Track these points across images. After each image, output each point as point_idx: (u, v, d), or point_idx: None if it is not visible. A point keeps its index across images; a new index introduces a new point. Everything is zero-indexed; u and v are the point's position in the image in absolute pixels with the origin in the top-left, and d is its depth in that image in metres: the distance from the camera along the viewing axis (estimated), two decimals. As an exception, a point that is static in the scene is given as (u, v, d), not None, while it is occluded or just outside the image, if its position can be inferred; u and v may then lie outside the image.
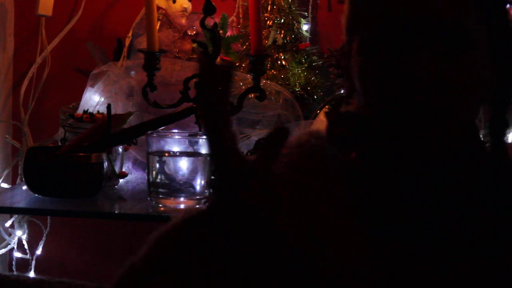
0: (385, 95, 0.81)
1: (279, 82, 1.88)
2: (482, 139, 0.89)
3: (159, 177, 1.49)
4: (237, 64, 1.94)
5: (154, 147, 1.50)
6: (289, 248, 0.82)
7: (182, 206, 1.48)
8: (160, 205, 1.49)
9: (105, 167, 1.56)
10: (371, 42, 0.82)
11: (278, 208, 0.81)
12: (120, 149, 1.69)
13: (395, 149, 0.83)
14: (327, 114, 0.91)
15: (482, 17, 0.83)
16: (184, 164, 1.48)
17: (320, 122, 1.77)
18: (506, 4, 0.85)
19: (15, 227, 2.02)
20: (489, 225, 0.84)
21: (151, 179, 1.49)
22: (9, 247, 2.04)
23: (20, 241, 2.03)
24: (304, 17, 1.97)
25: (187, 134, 1.56)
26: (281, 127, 0.77)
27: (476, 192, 0.85)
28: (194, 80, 1.72)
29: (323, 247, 0.82)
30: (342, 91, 1.85)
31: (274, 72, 1.90)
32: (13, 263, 2.05)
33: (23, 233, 2.02)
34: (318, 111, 1.82)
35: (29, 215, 2.00)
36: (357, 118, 0.87)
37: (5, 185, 2.03)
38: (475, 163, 0.87)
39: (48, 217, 2.02)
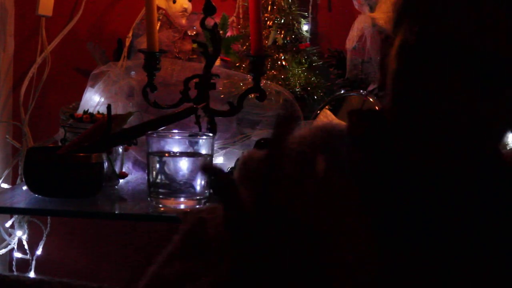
0: (415, 106, 0.79)
1: (279, 82, 1.88)
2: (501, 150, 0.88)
3: (159, 177, 1.49)
4: (237, 64, 1.94)
5: (154, 147, 1.49)
6: (297, 246, 0.81)
7: (182, 206, 1.48)
8: (160, 205, 1.49)
9: (105, 167, 1.56)
10: (414, 48, 0.79)
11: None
12: (120, 149, 1.69)
13: (414, 158, 0.81)
14: (349, 114, 0.89)
15: None
16: (184, 165, 1.48)
17: (320, 122, 1.77)
18: None
19: (15, 227, 2.02)
20: (505, 234, 0.83)
21: (151, 179, 1.49)
22: (9, 247, 2.04)
23: (20, 241, 2.03)
24: (304, 17, 1.97)
25: (187, 135, 1.56)
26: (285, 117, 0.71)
27: (492, 203, 0.84)
28: (194, 80, 1.72)
29: (331, 247, 0.81)
30: (342, 91, 1.85)
31: (274, 72, 1.90)
32: (13, 263, 2.04)
33: (23, 233, 2.02)
34: (318, 111, 1.82)
35: (29, 215, 2.00)
36: (381, 118, 0.85)
37: (5, 185, 2.03)
38: (494, 176, 0.85)
39: (48, 217, 2.02)
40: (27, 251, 2.03)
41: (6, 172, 2.06)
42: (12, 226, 2.03)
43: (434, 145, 0.79)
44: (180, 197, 1.48)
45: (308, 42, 1.96)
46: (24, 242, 2.03)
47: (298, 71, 1.91)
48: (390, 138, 0.84)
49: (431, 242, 0.83)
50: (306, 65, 1.93)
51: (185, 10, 1.97)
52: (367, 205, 0.83)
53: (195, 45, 1.90)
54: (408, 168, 0.83)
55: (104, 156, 1.56)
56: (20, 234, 2.02)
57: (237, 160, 1.53)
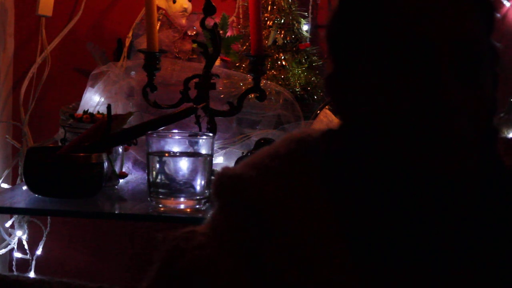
0: (406, 117, 0.76)
1: (279, 82, 1.88)
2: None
3: (159, 177, 1.49)
4: (237, 64, 1.94)
5: (154, 147, 1.50)
6: (277, 276, 0.78)
7: (182, 206, 1.48)
8: (160, 205, 1.49)
9: (105, 167, 1.56)
10: (392, 64, 0.77)
11: None
12: (120, 149, 1.69)
13: (403, 170, 0.78)
14: (322, 136, 0.86)
15: (486, 34, 0.80)
16: (184, 164, 1.48)
17: (320, 122, 1.77)
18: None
19: (15, 227, 2.03)
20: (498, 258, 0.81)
21: (151, 180, 1.49)
22: (9, 247, 2.04)
23: (20, 241, 2.03)
24: (304, 17, 1.97)
25: (187, 134, 1.57)
26: None
27: (479, 221, 0.82)
28: (194, 80, 1.72)
29: (311, 274, 0.77)
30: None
31: (274, 73, 1.90)
32: (13, 263, 2.05)
33: (23, 233, 2.02)
34: (318, 111, 1.82)
35: (29, 215, 2.00)
36: (358, 134, 0.82)
37: (5, 185, 2.03)
38: (484, 186, 0.83)
39: (48, 217, 2.02)
40: (27, 251, 2.03)
41: (6, 172, 2.06)
42: (12, 226, 2.04)
43: (424, 152, 0.76)
44: (180, 197, 1.49)
45: (308, 42, 1.96)
46: (24, 242, 2.03)
47: (298, 71, 1.91)
48: (369, 148, 0.81)
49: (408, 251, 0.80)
50: (306, 65, 1.93)
51: (185, 10, 1.97)
52: (342, 215, 0.80)
53: (195, 45, 1.90)
54: (387, 177, 0.80)
55: (104, 156, 1.56)
56: (20, 234, 2.02)
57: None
